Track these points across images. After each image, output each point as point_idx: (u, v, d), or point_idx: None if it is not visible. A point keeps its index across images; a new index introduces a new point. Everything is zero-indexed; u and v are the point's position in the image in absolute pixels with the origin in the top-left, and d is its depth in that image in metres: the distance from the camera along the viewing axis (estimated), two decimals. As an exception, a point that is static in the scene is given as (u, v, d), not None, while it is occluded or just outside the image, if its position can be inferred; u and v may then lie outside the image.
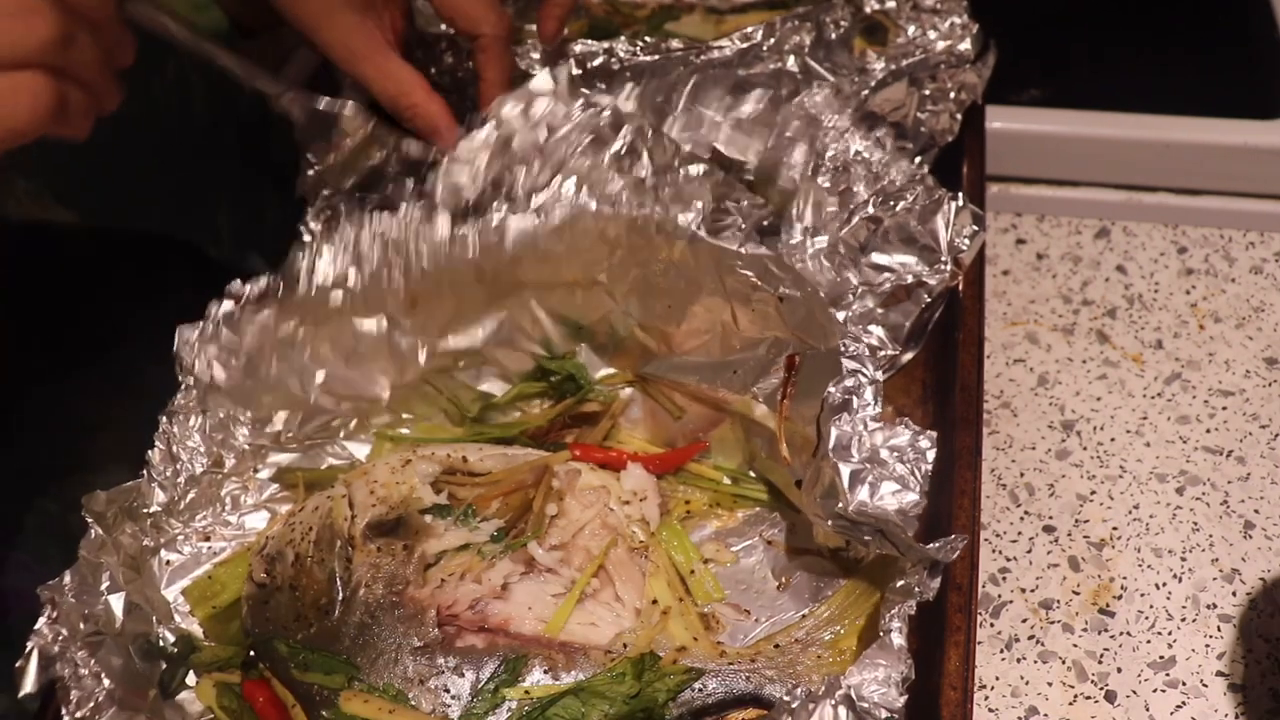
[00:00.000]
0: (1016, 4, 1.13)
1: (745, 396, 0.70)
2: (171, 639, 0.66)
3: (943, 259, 0.74)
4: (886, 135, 0.82)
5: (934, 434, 0.59)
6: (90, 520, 0.63)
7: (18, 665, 0.59)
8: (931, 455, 0.58)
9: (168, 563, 0.69)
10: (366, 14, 0.72)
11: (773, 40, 0.85)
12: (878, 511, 0.56)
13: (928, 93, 0.86)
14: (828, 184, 0.74)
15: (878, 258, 0.74)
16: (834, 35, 0.86)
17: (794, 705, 0.53)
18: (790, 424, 0.67)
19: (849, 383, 0.60)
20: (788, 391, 0.67)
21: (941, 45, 0.86)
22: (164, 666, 0.65)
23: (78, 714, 0.58)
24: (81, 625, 0.60)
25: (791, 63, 0.82)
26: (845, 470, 0.57)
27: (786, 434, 0.67)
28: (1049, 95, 1.05)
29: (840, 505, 0.57)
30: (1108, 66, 1.12)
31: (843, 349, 0.62)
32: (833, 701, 0.52)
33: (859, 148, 0.76)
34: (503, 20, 0.76)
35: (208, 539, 0.70)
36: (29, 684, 0.59)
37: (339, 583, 0.66)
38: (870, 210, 0.73)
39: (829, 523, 0.60)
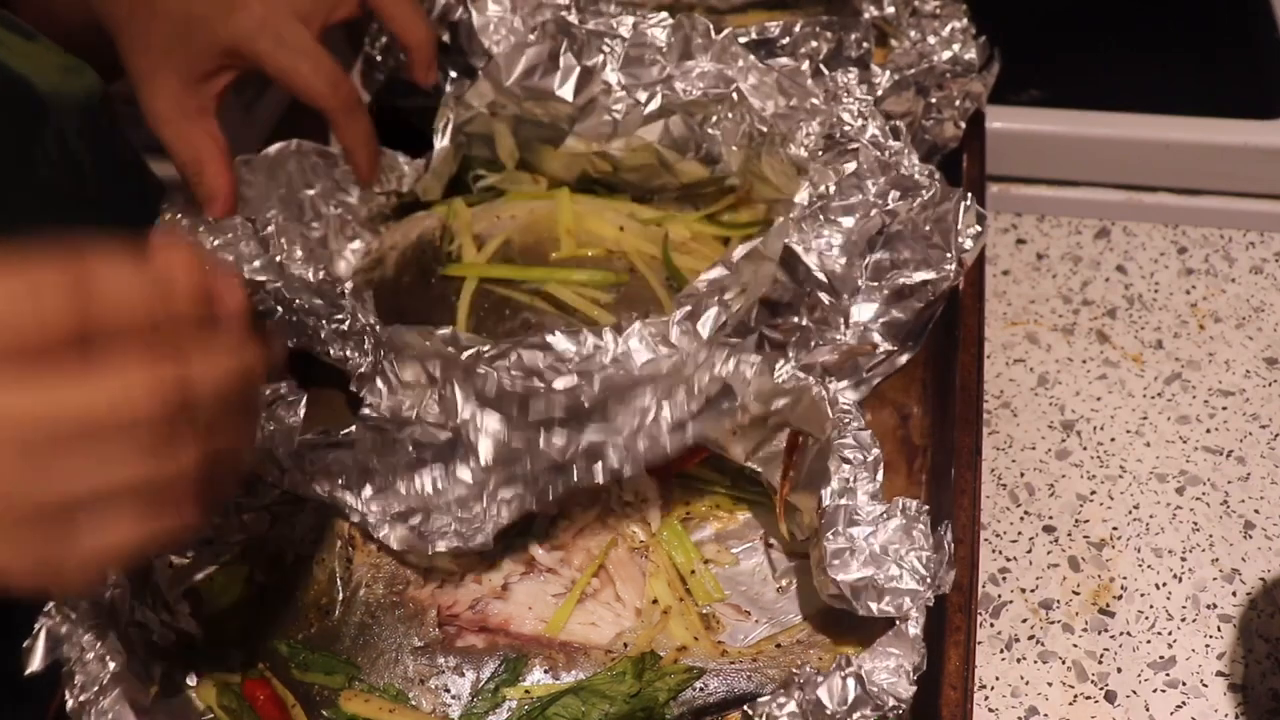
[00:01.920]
0: (1016, 5, 1.13)
1: (745, 463, 0.68)
2: (173, 638, 0.66)
3: (949, 257, 0.74)
4: (902, 125, 0.82)
5: (928, 512, 0.58)
6: None
7: (25, 645, 0.59)
8: (927, 541, 0.58)
9: (170, 564, 0.69)
10: (187, 80, 0.73)
11: (788, 41, 0.85)
12: (885, 614, 0.56)
13: (933, 101, 0.86)
14: (841, 167, 0.73)
15: (884, 254, 0.74)
16: (854, 54, 0.85)
17: (801, 679, 0.53)
18: (789, 504, 0.66)
19: (845, 474, 0.59)
20: (788, 475, 0.65)
21: (945, 54, 0.86)
22: (165, 666, 0.65)
23: (81, 697, 0.58)
24: (90, 610, 0.61)
25: (806, 66, 0.81)
26: (846, 583, 0.57)
27: (785, 508, 0.66)
28: (1049, 95, 1.05)
29: (848, 608, 0.58)
30: (1108, 66, 1.12)
31: (837, 435, 0.60)
32: (843, 674, 0.52)
33: (875, 132, 0.76)
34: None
35: (210, 542, 0.70)
36: (35, 662, 0.59)
37: (339, 583, 0.66)
38: (884, 204, 0.73)
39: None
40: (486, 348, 0.64)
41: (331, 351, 0.72)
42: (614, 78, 0.83)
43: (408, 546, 0.62)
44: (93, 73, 0.85)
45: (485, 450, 0.61)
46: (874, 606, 0.56)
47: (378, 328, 0.69)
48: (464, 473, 0.62)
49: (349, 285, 0.74)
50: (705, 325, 0.67)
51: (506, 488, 0.61)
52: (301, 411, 0.65)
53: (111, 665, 0.59)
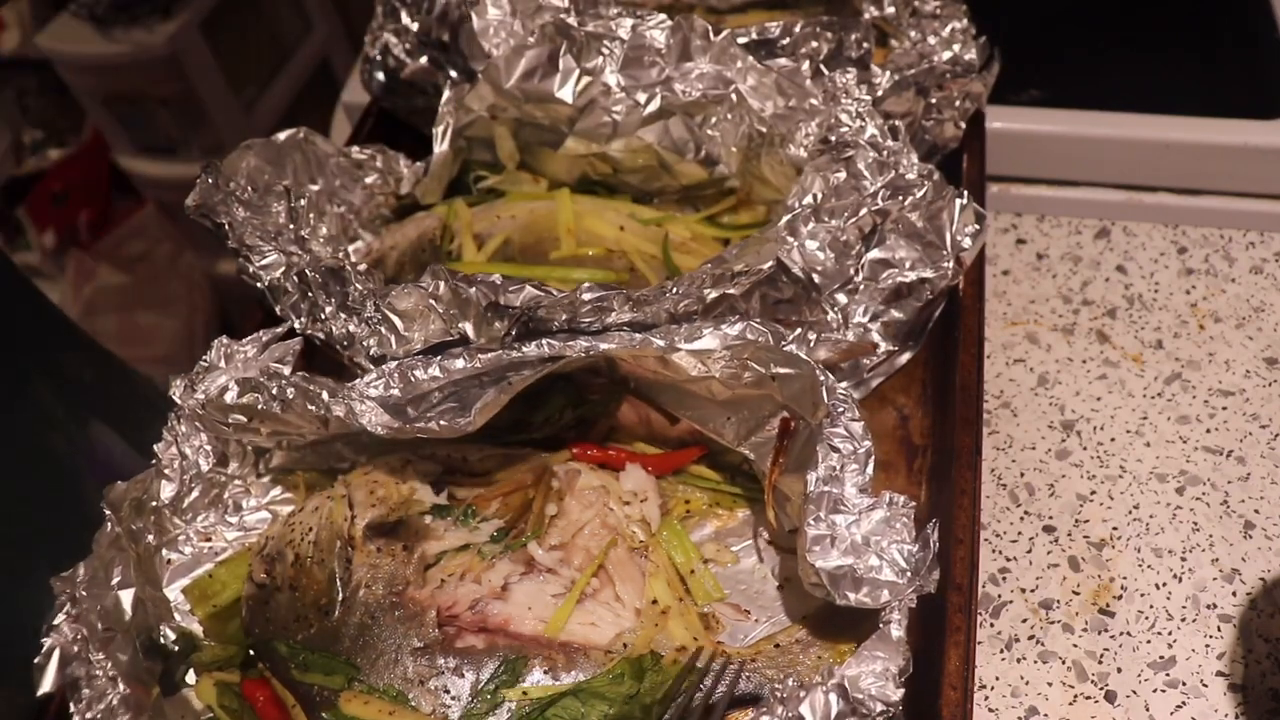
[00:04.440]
0: (1016, 4, 1.13)
1: (738, 447, 0.69)
2: (173, 637, 0.66)
3: (946, 257, 0.74)
4: (900, 126, 0.82)
5: (913, 507, 0.58)
6: (108, 512, 0.64)
7: (36, 662, 0.59)
8: (910, 534, 0.58)
9: (169, 561, 0.69)
10: None
11: (788, 41, 0.85)
12: (863, 605, 0.57)
13: (934, 101, 0.86)
14: (839, 168, 0.74)
15: (881, 253, 0.74)
16: (854, 54, 0.85)
17: (784, 695, 0.53)
18: (779, 491, 0.66)
19: (833, 462, 0.59)
20: (779, 460, 0.66)
21: (945, 54, 0.86)
22: (165, 664, 0.65)
23: (88, 715, 0.58)
24: (99, 625, 0.61)
25: (805, 67, 0.82)
26: (824, 570, 0.57)
27: (776, 493, 0.67)
28: (1049, 95, 1.05)
29: (827, 596, 0.58)
30: (1108, 66, 1.12)
31: (829, 423, 0.60)
32: (825, 689, 0.52)
33: (873, 132, 0.76)
34: None
35: (209, 539, 0.71)
36: (47, 683, 0.59)
37: (339, 583, 0.66)
38: (879, 203, 0.73)
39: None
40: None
41: (334, 330, 0.72)
42: (613, 79, 0.83)
43: (393, 433, 0.63)
44: None
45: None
46: (851, 596, 0.56)
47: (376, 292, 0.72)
48: (459, 363, 0.65)
49: (362, 266, 0.75)
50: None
51: (491, 380, 0.64)
52: (296, 349, 0.69)
53: (123, 687, 0.59)
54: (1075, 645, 0.76)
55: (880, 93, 0.84)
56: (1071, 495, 0.84)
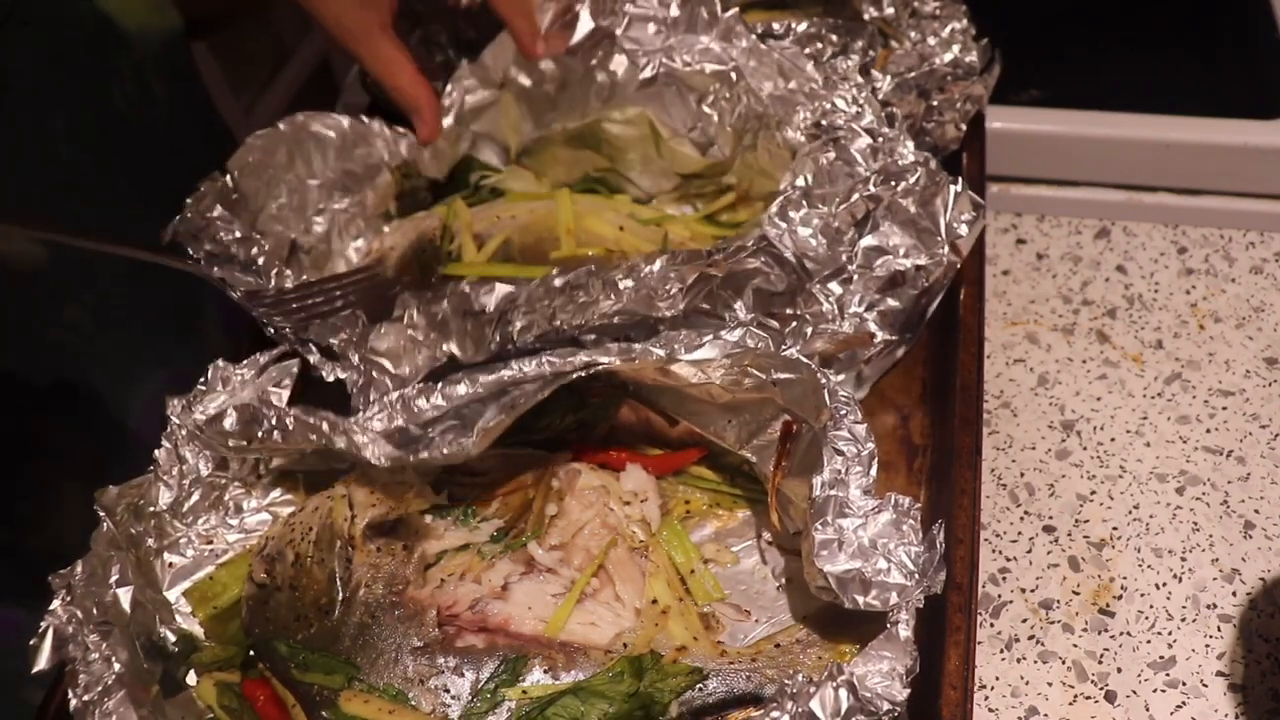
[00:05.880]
0: (1016, 5, 1.13)
1: (739, 450, 0.69)
2: (173, 638, 0.66)
3: (941, 244, 0.74)
4: (898, 112, 0.82)
5: (919, 509, 0.58)
6: (102, 514, 0.64)
7: (31, 643, 0.59)
8: (916, 536, 0.57)
9: (170, 565, 0.69)
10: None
11: (790, 41, 0.85)
12: (871, 608, 0.57)
13: (935, 104, 0.86)
14: (831, 152, 0.73)
15: (875, 240, 0.74)
16: (857, 59, 0.85)
17: (794, 690, 0.53)
18: (782, 494, 0.66)
19: (838, 465, 0.59)
20: (781, 464, 0.65)
21: (946, 56, 0.86)
22: (166, 665, 0.65)
23: (85, 697, 0.58)
24: (94, 610, 0.61)
25: (808, 50, 0.82)
26: (832, 574, 0.57)
27: (779, 496, 0.66)
28: (1049, 95, 1.05)
29: (835, 600, 0.58)
30: (1108, 66, 1.12)
31: (832, 426, 0.60)
32: (835, 684, 0.52)
33: (870, 118, 0.76)
34: None
35: (210, 542, 0.70)
36: (42, 661, 0.59)
37: (339, 583, 0.66)
38: (871, 189, 0.73)
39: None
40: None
41: (325, 375, 0.73)
42: (620, 41, 0.83)
43: (397, 463, 0.63)
44: (175, 13, 0.92)
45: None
46: (860, 599, 0.56)
47: (362, 316, 0.73)
48: (460, 389, 0.66)
49: (362, 268, 0.75)
50: None
51: (493, 400, 0.64)
52: (294, 370, 0.69)
53: (116, 666, 0.59)
54: (1075, 645, 0.76)
55: (881, 96, 0.84)
56: (1071, 495, 0.84)
